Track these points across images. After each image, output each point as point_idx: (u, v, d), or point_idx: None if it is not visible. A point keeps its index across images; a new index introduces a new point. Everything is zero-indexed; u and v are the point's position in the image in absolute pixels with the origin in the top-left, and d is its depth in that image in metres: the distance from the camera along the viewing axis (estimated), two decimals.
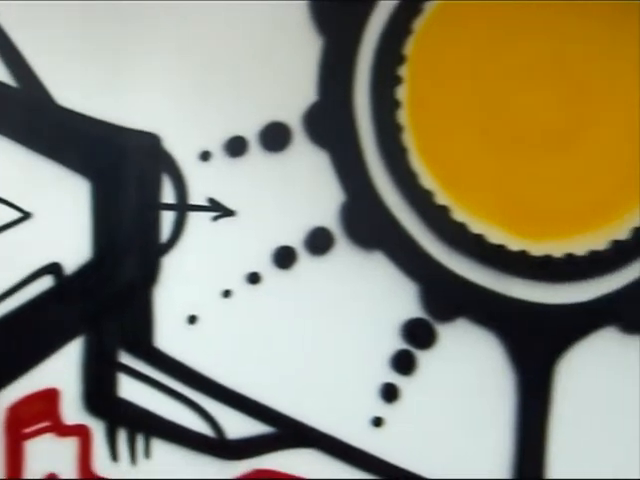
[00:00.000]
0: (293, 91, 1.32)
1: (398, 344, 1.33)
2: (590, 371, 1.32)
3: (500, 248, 1.31)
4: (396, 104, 1.31)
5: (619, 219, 1.31)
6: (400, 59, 1.32)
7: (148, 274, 1.34)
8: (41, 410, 1.38)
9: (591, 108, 1.30)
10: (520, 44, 1.30)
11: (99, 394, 1.38)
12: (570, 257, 1.31)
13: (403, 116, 1.32)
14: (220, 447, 1.34)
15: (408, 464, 1.34)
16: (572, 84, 1.30)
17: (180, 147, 1.32)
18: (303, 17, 1.32)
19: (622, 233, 1.31)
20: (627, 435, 1.31)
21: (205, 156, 1.33)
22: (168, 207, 1.33)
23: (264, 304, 1.33)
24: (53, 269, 1.36)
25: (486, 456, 1.33)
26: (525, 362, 1.32)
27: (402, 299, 1.32)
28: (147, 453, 1.37)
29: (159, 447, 1.36)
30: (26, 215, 1.36)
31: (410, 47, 1.32)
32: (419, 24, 1.32)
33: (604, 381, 1.31)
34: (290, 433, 1.34)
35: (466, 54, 1.31)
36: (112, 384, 1.37)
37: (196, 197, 1.33)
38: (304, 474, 1.35)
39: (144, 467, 1.36)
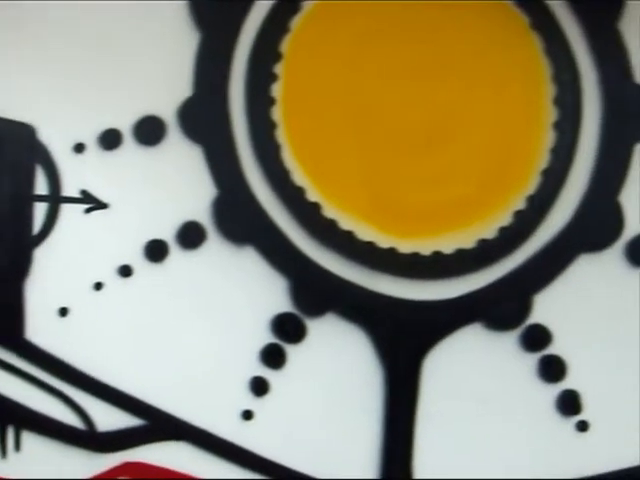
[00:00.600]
0: (169, 85, 1.32)
1: (268, 338, 1.34)
2: (456, 366, 1.35)
3: (369, 245, 1.34)
4: (271, 101, 1.33)
5: (487, 218, 1.35)
6: (276, 57, 1.33)
7: (19, 265, 1.31)
8: None
9: (460, 109, 1.34)
10: (391, 45, 1.33)
11: None
12: (438, 255, 1.34)
13: (277, 113, 1.33)
14: (90, 439, 1.33)
15: (277, 457, 1.34)
16: (442, 84, 1.34)
17: (54, 138, 1.31)
18: (181, 12, 1.32)
19: (489, 232, 1.34)
20: (491, 430, 1.35)
21: (79, 148, 1.32)
22: (41, 198, 1.32)
23: (136, 297, 1.33)
24: None
25: (355, 448, 1.35)
26: (393, 357, 1.34)
27: (272, 294, 1.34)
28: (17, 446, 1.36)
29: (29, 440, 1.35)
30: None
31: (286, 45, 1.34)
32: (296, 23, 1.34)
33: (470, 376, 1.35)
34: (161, 426, 1.33)
35: (340, 54, 1.34)
36: None
37: (69, 189, 1.32)
38: (175, 467, 1.34)
39: (14, 460, 1.35)
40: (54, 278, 1.33)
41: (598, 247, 1.34)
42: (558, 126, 1.33)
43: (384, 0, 1.32)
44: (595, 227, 1.34)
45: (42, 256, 1.33)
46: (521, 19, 1.33)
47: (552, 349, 1.34)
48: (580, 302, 1.34)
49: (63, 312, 1.34)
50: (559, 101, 1.33)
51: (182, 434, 1.34)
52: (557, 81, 1.33)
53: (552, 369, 1.34)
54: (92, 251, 1.33)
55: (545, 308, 1.34)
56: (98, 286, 1.33)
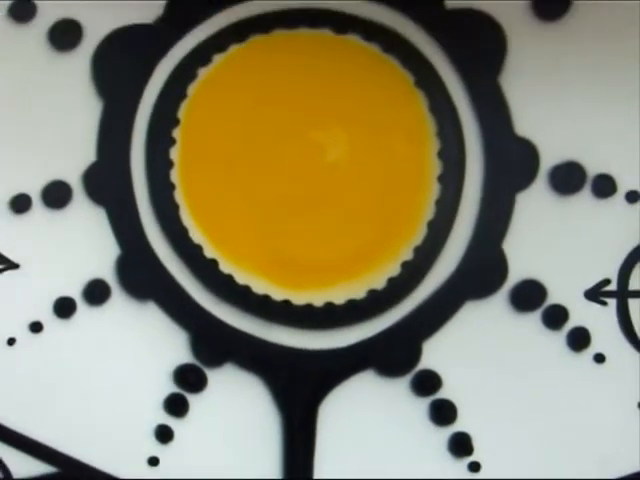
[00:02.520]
0: (74, 151, 1.41)
1: (171, 388, 1.41)
2: (351, 412, 1.40)
3: (265, 298, 1.41)
4: (169, 164, 1.42)
5: (376, 269, 1.41)
6: (174, 122, 1.42)
7: None
8: None
9: (349, 165, 1.41)
10: (281, 106, 1.41)
11: None
12: (330, 305, 1.41)
13: (175, 175, 1.42)
14: None
15: None
16: (331, 142, 1.41)
17: None
18: (84, 80, 1.42)
19: (379, 283, 1.41)
20: (386, 471, 1.40)
21: None
22: None
23: (46, 350, 1.41)
24: None
25: None
26: (290, 404, 1.41)
27: (174, 346, 1.41)
28: None
29: None
30: None
31: (183, 111, 1.43)
32: (192, 89, 1.43)
33: (364, 421, 1.40)
34: (73, 473, 1.41)
35: (233, 117, 1.42)
36: None
37: None
38: None
39: None
40: None
41: (483, 294, 1.39)
42: (443, 179, 1.39)
43: (274, 69, 1.40)
44: (480, 275, 1.39)
45: None
46: (406, 77, 1.40)
47: (442, 393, 1.39)
48: (468, 347, 1.39)
49: None
50: (443, 155, 1.39)
51: None
52: (441, 136, 1.39)
53: (442, 413, 1.39)
54: (4, 309, 1.42)
55: (434, 354, 1.39)
56: (11, 342, 1.42)
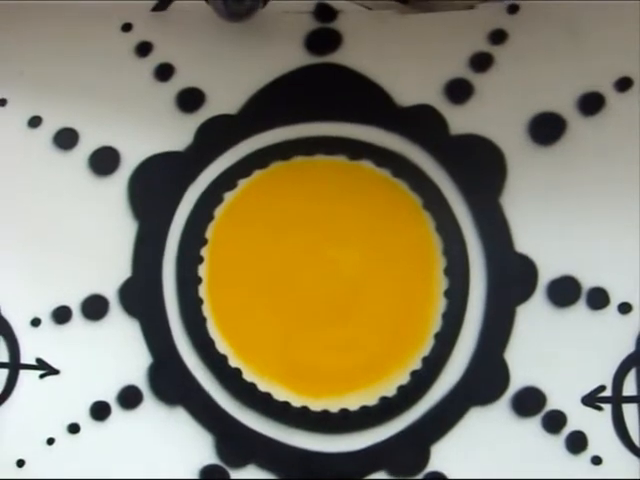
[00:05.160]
0: (112, 268, 1.55)
1: None
2: None
3: (284, 404, 1.52)
4: (197, 280, 1.55)
5: (387, 378, 1.52)
6: (202, 241, 1.56)
7: None
8: None
9: (362, 282, 1.53)
10: (300, 229, 1.54)
11: None
12: (344, 411, 1.51)
13: (203, 290, 1.55)
14: None
15: None
16: (345, 262, 1.54)
17: (14, 314, 1.55)
18: (121, 202, 1.56)
19: (390, 391, 1.52)
20: None
21: (35, 322, 1.55)
22: (2, 365, 1.55)
23: (83, 450, 1.53)
24: None
25: None
26: None
27: (200, 447, 1.52)
28: None
29: None
30: None
31: (211, 231, 1.56)
32: (219, 212, 1.56)
33: None
34: None
35: (257, 238, 1.55)
36: None
37: (26, 357, 1.55)
38: None
39: None
40: (12, 434, 1.55)
41: (487, 401, 1.48)
42: (448, 294, 1.50)
43: (294, 193, 1.54)
44: (484, 383, 1.49)
45: (2, 415, 1.55)
46: (414, 200, 1.52)
47: None
48: (473, 450, 1.49)
49: (20, 464, 1.55)
50: (449, 271, 1.50)
51: None
52: (447, 254, 1.51)
53: None
54: (45, 411, 1.55)
55: (442, 456, 1.49)
56: (50, 441, 1.54)
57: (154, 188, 1.55)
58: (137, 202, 1.55)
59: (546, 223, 1.50)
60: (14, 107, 1.58)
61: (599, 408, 1.48)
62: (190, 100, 1.55)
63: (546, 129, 1.51)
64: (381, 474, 1.51)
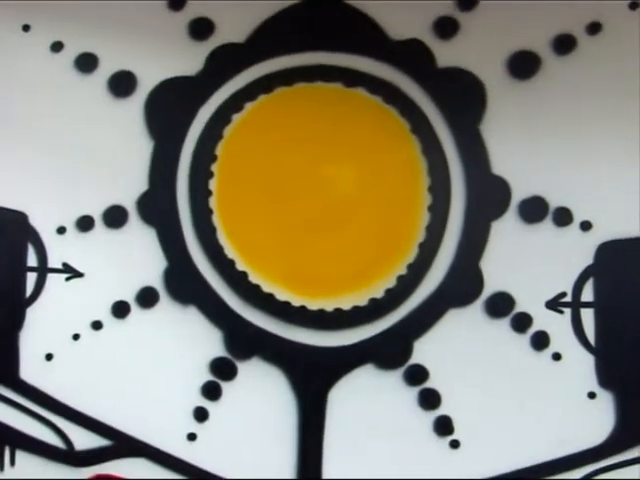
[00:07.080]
0: (130, 182, 1.70)
1: (207, 377, 1.70)
2: (354, 399, 1.69)
3: (285, 304, 1.70)
4: (208, 193, 1.71)
5: (376, 282, 1.70)
6: (212, 158, 1.71)
7: (15, 321, 1.70)
8: None
9: (355, 196, 1.70)
10: (301, 147, 1.69)
11: None
12: (338, 310, 1.70)
13: (213, 202, 1.71)
14: (69, 456, 1.70)
15: (216, 469, 1.70)
16: (341, 177, 1.70)
17: (42, 223, 1.71)
18: (138, 123, 1.70)
19: (378, 293, 1.70)
20: (382, 450, 1.67)
21: (61, 230, 1.71)
22: (32, 269, 1.71)
23: (105, 345, 1.71)
24: None
25: (275, 462, 1.69)
26: (304, 392, 1.69)
27: (210, 342, 1.70)
28: (12, 462, 1.72)
29: (22, 457, 1.71)
30: None
31: (220, 149, 1.71)
32: (228, 131, 1.71)
33: (364, 407, 1.68)
34: (124, 445, 1.70)
35: (262, 155, 1.71)
36: None
37: (53, 262, 1.71)
38: (135, 477, 1.70)
39: (10, 473, 1.71)
40: (42, 331, 1.71)
41: (463, 303, 1.67)
42: (432, 209, 1.67)
43: (296, 115, 1.69)
44: (461, 288, 1.67)
45: (32, 314, 1.71)
46: (403, 125, 1.69)
47: (428, 384, 1.67)
48: (451, 346, 1.67)
49: (49, 357, 1.71)
50: (433, 189, 1.68)
51: (141, 452, 1.70)
52: (431, 174, 1.68)
53: (429, 400, 1.67)
54: (71, 310, 1.72)
55: (423, 351, 1.68)
56: (76, 337, 1.71)
57: (168, 109, 1.69)
58: (153, 122, 1.69)
59: (520, 148, 1.67)
60: (37, 33, 1.70)
61: (560, 311, 1.67)
62: (201, 29, 1.69)
63: (523, 65, 1.66)
64: (368, 367, 1.70)
